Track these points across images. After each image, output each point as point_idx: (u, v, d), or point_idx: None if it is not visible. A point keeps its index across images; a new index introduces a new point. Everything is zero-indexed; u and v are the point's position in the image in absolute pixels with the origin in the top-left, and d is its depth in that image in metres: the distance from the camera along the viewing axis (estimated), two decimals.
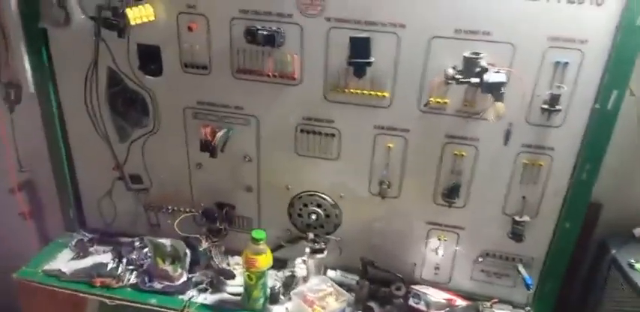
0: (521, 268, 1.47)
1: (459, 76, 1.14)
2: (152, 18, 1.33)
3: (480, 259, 1.51)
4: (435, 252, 1.54)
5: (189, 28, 1.34)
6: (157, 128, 1.54)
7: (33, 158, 1.77)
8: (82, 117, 1.56)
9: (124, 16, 1.29)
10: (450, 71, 1.16)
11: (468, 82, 1.14)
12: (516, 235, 1.40)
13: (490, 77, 1.11)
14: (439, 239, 1.51)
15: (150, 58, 1.43)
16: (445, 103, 1.28)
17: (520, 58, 1.19)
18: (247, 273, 1.44)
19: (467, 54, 1.16)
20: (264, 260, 1.43)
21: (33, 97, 1.57)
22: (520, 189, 1.37)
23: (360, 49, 1.21)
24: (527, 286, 1.44)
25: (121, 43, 1.41)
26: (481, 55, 1.14)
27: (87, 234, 1.77)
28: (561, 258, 1.43)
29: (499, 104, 1.16)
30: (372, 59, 1.24)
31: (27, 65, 1.51)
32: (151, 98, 1.49)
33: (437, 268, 1.56)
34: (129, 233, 1.73)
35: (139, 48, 1.42)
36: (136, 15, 1.29)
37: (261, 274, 1.44)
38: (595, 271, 1.57)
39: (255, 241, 1.41)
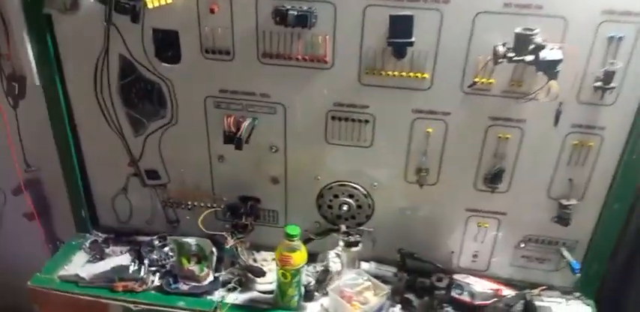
0: (565, 253, 1.42)
1: (512, 55, 1.05)
2: (170, 0, 1.22)
3: (522, 245, 1.46)
4: (474, 239, 1.48)
5: (211, 10, 1.23)
6: (175, 120, 1.44)
7: (40, 156, 1.66)
8: (93, 110, 1.46)
9: None
10: (501, 49, 1.07)
11: (522, 61, 1.06)
12: (563, 219, 1.35)
13: (547, 55, 1.03)
14: (479, 226, 1.45)
15: (167, 45, 1.32)
16: (490, 83, 1.21)
17: (572, 34, 1.12)
18: (281, 271, 1.37)
19: (519, 30, 1.08)
20: (300, 257, 1.36)
21: (38, 90, 1.46)
22: (567, 171, 1.31)
23: (401, 28, 1.13)
24: (574, 271, 1.39)
25: (135, 29, 1.31)
26: (535, 31, 1.06)
27: (101, 234, 1.69)
28: (607, 240, 1.38)
29: (553, 83, 1.08)
30: (413, 39, 1.15)
31: (31, 55, 1.40)
32: (168, 88, 1.39)
33: (475, 256, 1.51)
34: (146, 231, 1.65)
35: (155, 33, 1.31)
36: None
37: (296, 272, 1.37)
38: (636, 252, 1.52)
39: (290, 237, 1.34)
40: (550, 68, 1.04)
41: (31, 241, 1.88)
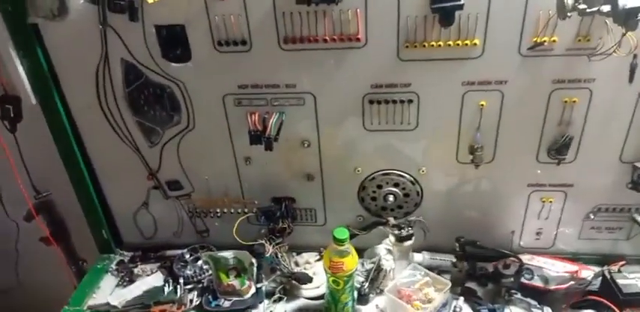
0: (638, 218, 1.29)
1: (583, 6, 0.90)
2: None
3: (592, 216, 1.35)
4: (538, 216, 1.37)
5: None
6: (192, 124, 1.30)
7: (48, 179, 1.52)
8: (100, 124, 1.32)
9: None
10: (570, 1, 0.92)
11: (597, 12, 0.91)
12: (639, 184, 1.21)
13: (627, 2, 0.87)
14: (543, 201, 1.34)
15: (173, 42, 1.17)
16: (554, 41, 1.06)
17: None
18: (333, 278, 1.25)
19: None
20: (351, 261, 1.24)
21: (36, 108, 1.30)
22: None
23: None
24: None
25: (135, 28, 1.15)
26: None
27: (126, 253, 1.57)
28: None
29: (631, 34, 0.93)
30: (462, 1, 0.99)
31: (22, 72, 1.24)
32: (180, 90, 1.25)
33: (539, 234, 1.41)
34: (174, 244, 1.53)
35: (159, 31, 1.16)
36: None
37: (349, 277, 1.25)
38: None
39: (339, 242, 1.21)
40: (630, 17, 0.89)
41: (53, 266, 1.75)
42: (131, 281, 1.45)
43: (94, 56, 1.21)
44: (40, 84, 1.26)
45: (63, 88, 1.28)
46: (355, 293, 1.30)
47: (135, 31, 1.16)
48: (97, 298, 1.42)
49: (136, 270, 1.50)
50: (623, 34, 0.97)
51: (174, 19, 1.14)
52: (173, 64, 1.21)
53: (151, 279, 1.43)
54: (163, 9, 1.11)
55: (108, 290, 1.44)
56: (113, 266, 1.52)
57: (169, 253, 1.53)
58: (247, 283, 1.35)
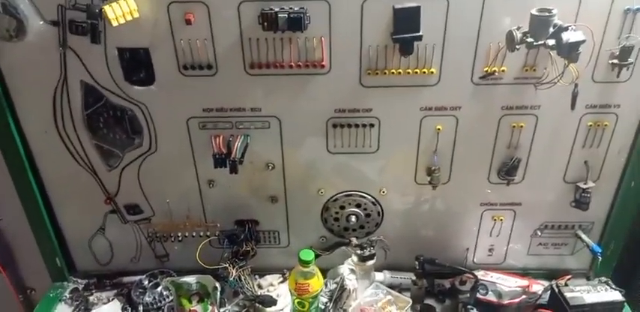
0: (583, 236, 1.40)
1: (531, 40, 0.98)
2: (136, 15, 1.06)
3: (539, 233, 1.43)
4: (490, 233, 1.44)
5: (187, 21, 1.08)
6: (154, 147, 1.29)
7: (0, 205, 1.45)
8: (56, 147, 1.28)
9: (102, 16, 1.01)
10: (519, 34, 0.99)
11: (543, 45, 0.99)
12: (582, 203, 1.32)
13: (570, 37, 0.96)
14: (494, 220, 1.41)
15: (136, 65, 1.16)
16: (503, 71, 1.14)
17: (586, 10, 1.06)
18: (298, 300, 1.26)
19: (535, 12, 1.00)
20: (317, 283, 1.26)
21: None
22: (582, 153, 1.28)
23: (407, 21, 1.03)
24: (595, 253, 1.36)
25: (97, 50, 1.14)
26: (553, 12, 0.99)
27: (80, 280, 1.51)
28: (624, 219, 1.36)
29: (573, 66, 1.02)
30: (421, 32, 1.05)
31: None
32: (142, 113, 1.23)
33: (491, 250, 1.47)
34: (131, 271, 1.49)
35: (121, 53, 1.14)
36: (117, 13, 1.02)
37: (314, 299, 1.27)
38: None
39: (304, 263, 1.23)
40: (572, 51, 0.98)
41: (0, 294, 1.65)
42: (87, 310, 1.40)
43: (51, 78, 1.18)
44: None
45: (17, 111, 1.23)
46: None
47: (96, 54, 1.14)
48: None
49: (91, 298, 1.45)
50: (566, 66, 1.05)
51: (138, 42, 1.13)
52: (136, 87, 1.19)
53: (107, 307, 1.39)
54: (127, 32, 1.10)
55: None
56: (67, 295, 1.45)
57: (126, 279, 1.48)
58: (210, 308, 1.33)
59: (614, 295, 1.29)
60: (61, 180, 1.35)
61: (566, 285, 1.33)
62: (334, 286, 1.40)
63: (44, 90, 1.20)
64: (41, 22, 1.08)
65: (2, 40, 1.10)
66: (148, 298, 1.38)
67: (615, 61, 1.10)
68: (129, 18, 1.05)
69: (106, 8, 1.01)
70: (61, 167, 1.31)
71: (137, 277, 1.44)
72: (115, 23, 1.03)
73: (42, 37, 1.11)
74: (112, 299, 1.42)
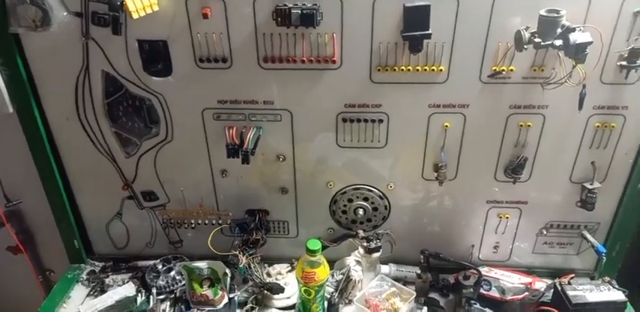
0: (589, 236, 1.40)
1: (538, 40, 0.99)
2: (156, 8, 1.10)
3: (544, 232, 1.44)
4: (495, 231, 1.45)
5: (204, 15, 1.12)
6: (170, 136, 1.33)
7: (20, 187, 1.52)
8: (77, 134, 1.34)
9: (123, 8, 1.05)
10: (527, 34, 1.01)
11: (551, 45, 1.00)
12: (588, 203, 1.32)
13: (577, 38, 0.98)
14: (500, 217, 1.42)
15: (155, 56, 1.20)
16: (511, 70, 1.15)
17: (596, 11, 1.07)
18: (305, 288, 1.30)
19: (544, 13, 1.01)
20: (323, 272, 1.29)
21: (12, 117, 1.31)
22: (589, 154, 1.28)
23: (417, 20, 1.05)
24: (600, 254, 1.36)
25: (118, 41, 1.18)
26: (562, 13, 1.00)
27: (97, 263, 1.57)
28: (630, 221, 1.37)
29: (581, 66, 1.03)
30: (430, 31, 1.07)
31: (0, 81, 1.24)
32: (160, 103, 1.28)
33: (496, 247, 1.49)
34: (146, 255, 1.55)
35: (141, 45, 1.19)
36: (137, 6, 1.07)
37: (320, 287, 1.31)
38: None
39: (312, 252, 1.26)
40: (579, 51, 0.99)
41: (19, 276, 1.73)
42: (102, 291, 1.45)
43: (74, 67, 1.23)
44: (18, 93, 1.27)
45: (41, 98, 1.29)
46: (325, 303, 1.35)
47: (117, 45, 1.19)
48: (68, 307, 1.42)
49: (107, 280, 1.50)
50: (574, 66, 1.06)
51: (157, 34, 1.17)
52: (154, 78, 1.24)
53: (122, 289, 1.43)
54: (147, 24, 1.14)
55: (79, 300, 1.44)
56: (84, 276, 1.51)
57: (141, 263, 1.53)
58: (220, 293, 1.37)
59: (617, 295, 1.29)
60: (81, 165, 1.41)
61: (569, 283, 1.34)
62: (340, 276, 1.43)
63: (67, 79, 1.25)
64: (65, 13, 1.13)
65: (28, 30, 1.15)
66: (161, 282, 1.44)
67: (624, 63, 1.10)
68: (149, 11, 1.09)
69: (127, 1, 1.05)
70: (82, 153, 1.37)
71: (151, 262, 1.50)
72: (135, 16, 1.07)
73: (66, 27, 1.16)
74: (127, 282, 1.48)
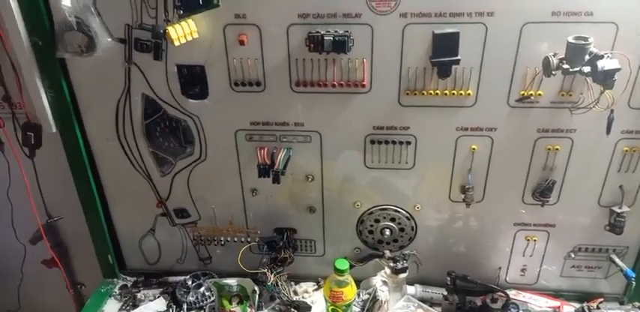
0: (617, 260, 1.39)
1: (567, 66, 1.01)
2: (196, 35, 1.16)
3: (572, 255, 1.43)
4: (523, 253, 1.45)
5: (241, 42, 1.17)
6: (204, 156, 1.38)
7: (59, 204, 1.57)
8: (115, 153, 1.40)
9: (166, 36, 1.11)
10: (555, 61, 1.03)
11: (579, 72, 1.02)
12: (616, 227, 1.32)
13: (605, 64, 0.99)
14: (527, 240, 1.42)
15: (193, 80, 1.26)
16: (539, 95, 1.17)
17: (623, 38, 1.09)
18: (332, 307, 1.31)
19: (572, 40, 1.04)
20: (350, 291, 1.31)
21: (55, 137, 1.37)
22: (618, 178, 1.28)
23: (446, 46, 1.08)
24: (629, 278, 1.35)
25: (158, 66, 1.24)
26: (590, 40, 1.02)
27: (129, 278, 1.61)
28: None
29: (609, 92, 1.04)
30: (459, 57, 1.10)
31: (45, 103, 1.31)
32: (195, 124, 1.33)
33: (523, 270, 1.48)
34: (176, 271, 1.58)
35: (180, 70, 1.25)
36: (179, 34, 1.12)
37: (347, 307, 1.32)
38: None
39: (340, 272, 1.28)
40: (607, 78, 1.00)
41: (53, 289, 1.78)
42: (134, 306, 1.49)
43: (116, 90, 1.29)
44: (61, 114, 1.33)
45: (83, 119, 1.35)
46: None
47: (157, 69, 1.25)
48: None
49: (138, 295, 1.53)
50: (602, 92, 1.07)
51: (195, 59, 1.23)
52: (191, 101, 1.29)
53: (154, 304, 1.47)
54: (186, 50, 1.19)
55: None
56: (116, 290, 1.55)
57: (172, 279, 1.57)
58: (249, 309, 1.40)
59: None
60: (118, 183, 1.46)
61: (597, 308, 1.34)
62: (367, 296, 1.44)
63: (108, 101, 1.31)
64: (109, 39, 1.19)
65: (74, 55, 1.21)
66: (191, 298, 1.47)
67: None
68: (189, 38, 1.15)
69: (170, 29, 1.11)
70: (119, 172, 1.42)
71: (182, 277, 1.53)
72: (177, 43, 1.13)
73: (109, 52, 1.21)
74: (158, 297, 1.51)
